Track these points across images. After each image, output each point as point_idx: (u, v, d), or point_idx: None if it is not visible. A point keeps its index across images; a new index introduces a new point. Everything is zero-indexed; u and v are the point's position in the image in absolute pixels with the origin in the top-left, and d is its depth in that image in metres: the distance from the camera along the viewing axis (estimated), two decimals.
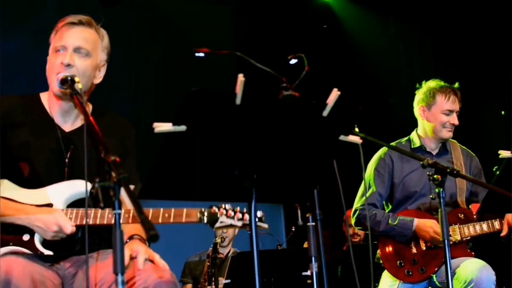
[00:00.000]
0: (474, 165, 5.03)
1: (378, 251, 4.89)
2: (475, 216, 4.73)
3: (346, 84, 4.10)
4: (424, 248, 4.76)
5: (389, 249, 4.84)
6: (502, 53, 8.62)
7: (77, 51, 3.32)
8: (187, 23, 8.92)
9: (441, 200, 3.41)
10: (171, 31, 8.92)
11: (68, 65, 3.28)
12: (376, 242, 4.93)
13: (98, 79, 3.46)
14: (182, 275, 7.04)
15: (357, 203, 4.99)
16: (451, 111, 4.90)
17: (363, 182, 4.97)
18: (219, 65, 8.02)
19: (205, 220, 3.18)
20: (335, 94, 2.59)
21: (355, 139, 2.75)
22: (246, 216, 3.22)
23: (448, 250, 3.35)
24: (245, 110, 2.48)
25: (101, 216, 3.16)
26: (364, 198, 4.94)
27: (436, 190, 3.45)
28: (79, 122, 3.44)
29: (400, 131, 5.25)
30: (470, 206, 4.85)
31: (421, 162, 3.46)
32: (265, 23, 9.25)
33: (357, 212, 4.93)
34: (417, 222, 4.75)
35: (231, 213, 3.21)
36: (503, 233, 4.61)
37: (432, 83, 5.00)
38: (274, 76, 2.78)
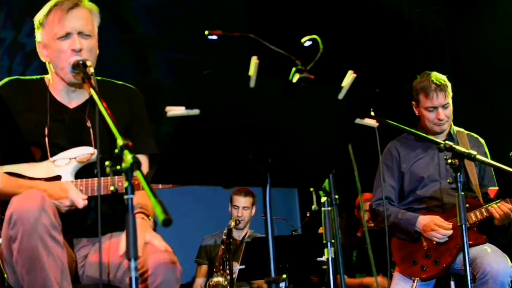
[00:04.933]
0: (481, 153, 4.98)
1: None
2: (483, 203, 4.72)
3: (362, 67, 4.08)
4: (434, 242, 4.74)
5: (401, 252, 4.86)
6: None
7: (81, 35, 3.31)
8: (199, 4, 8.91)
9: (459, 185, 3.37)
10: (182, 12, 8.89)
11: (80, 50, 3.28)
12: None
13: (97, 52, 3.44)
14: (197, 256, 7.02)
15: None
16: (434, 107, 4.85)
17: (376, 176, 5.01)
18: (231, 48, 7.99)
19: None
20: (351, 76, 2.54)
21: (371, 122, 2.71)
22: None
23: (465, 235, 3.31)
24: (259, 93, 2.45)
25: (112, 185, 3.13)
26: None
27: (454, 174, 3.41)
28: (85, 96, 3.46)
29: (414, 117, 5.20)
30: (487, 191, 4.83)
31: (438, 146, 3.42)
32: (278, 4, 9.20)
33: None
34: (420, 217, 4.77)
35: None
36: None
37: (419, 79, 4.98)
38: (288, 59, 2.74)
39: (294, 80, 2.51)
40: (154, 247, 3.08)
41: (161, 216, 2.13)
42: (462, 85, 9.03)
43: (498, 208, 4.55)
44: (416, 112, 5.01)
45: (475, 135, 5.10)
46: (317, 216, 3.02)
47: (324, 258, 5.57)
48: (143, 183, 2.28)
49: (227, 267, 6.08)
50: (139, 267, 2.91)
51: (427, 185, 4.90)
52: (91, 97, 3.35)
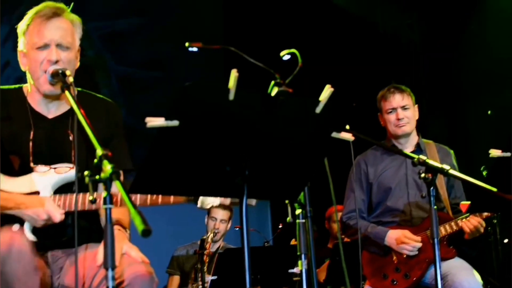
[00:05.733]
0: (448, 163, 5.00)
1: None
2: (452, 216, 4.79)
3: (339, 80, 4.13)
4: (404, 256, 4.78)
5: (371, 266, 4.89)
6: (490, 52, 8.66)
7: (59, 47, 3.29)
8: (176, 13, 8.91)
9: (432, 199, 3.39)
10: (159, 22, 8.88)
11: (56, 62, 3.26)
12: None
13: (77, 65, 3.43)
14: (169, 267, 6.99)
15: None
16: (393, 109, 4.96)
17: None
18: (207, 59, 7.99)
19: (193, 199, 3.18)
20: (328, 90, 2.57)
21: (347, 136, 2.75)
22: None
23: (437, 248, 3.33)
24: (238, 106, 2.47)
25: (91, 195, 3.13)
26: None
27: (427, 188, 3.43)
28: (64, 107, 3.43)
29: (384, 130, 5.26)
30: (459, 203, 4.88)
31: (413, 160, 3.43)
32: (255, 16, 9.24)
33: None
34: (389, 232, 4.82)
35: None
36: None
37: (381, 91, 5.10)
38: (266, 72, 2.77)
39: (273, 94, 2.54)
40: (131, 258, 3.08)
41: (140, 227, 2.14)
42: (435, 99, 9.14)
43: (468, 222, 4.59)
44: (382, 122, 5.10)
45: (444, 146, 5.15)
46: (289, 228, 3.04)
47: (295, 270, 5.61)
48: (123, 193, 2.28)
49: (200, 278, 6.07)
50: (116, 277, 2.93)
51: (395, 195, 4.94)
52: (71, 108, 3.34)
